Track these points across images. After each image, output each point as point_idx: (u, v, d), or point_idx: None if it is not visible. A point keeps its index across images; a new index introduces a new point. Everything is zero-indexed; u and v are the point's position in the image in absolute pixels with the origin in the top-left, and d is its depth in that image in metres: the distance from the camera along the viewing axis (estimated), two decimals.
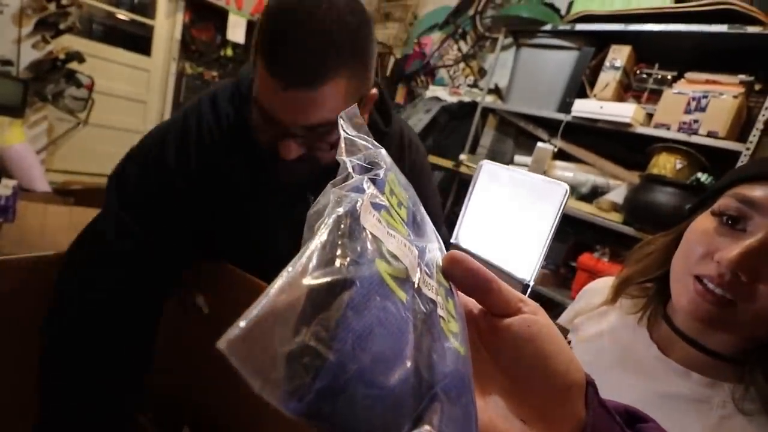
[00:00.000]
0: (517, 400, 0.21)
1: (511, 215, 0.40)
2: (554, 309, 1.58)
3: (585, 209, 1.73)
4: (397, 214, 0.22)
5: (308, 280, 0.14)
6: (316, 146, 0.58)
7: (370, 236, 0.17)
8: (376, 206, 0.19)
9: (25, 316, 0.58)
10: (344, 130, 0.25)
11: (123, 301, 0.60)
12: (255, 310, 0.12)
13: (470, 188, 0.42)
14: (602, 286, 0.59)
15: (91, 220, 0.66)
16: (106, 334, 0.59)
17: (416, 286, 0.18)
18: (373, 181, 0.21)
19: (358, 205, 0.18)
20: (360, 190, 0.19)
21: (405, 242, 0.20)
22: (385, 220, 0.20)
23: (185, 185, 0.63)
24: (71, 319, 0.58)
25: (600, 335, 0.54)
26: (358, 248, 0.16)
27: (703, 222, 0.45)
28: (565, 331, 0.57)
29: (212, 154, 0.64)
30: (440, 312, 0.19)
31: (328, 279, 0.14)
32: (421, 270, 0.20)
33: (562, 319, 0.63)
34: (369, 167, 0.23)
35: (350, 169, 0.21)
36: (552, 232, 0.37)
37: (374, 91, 0.62)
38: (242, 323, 0.12)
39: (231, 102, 0.66)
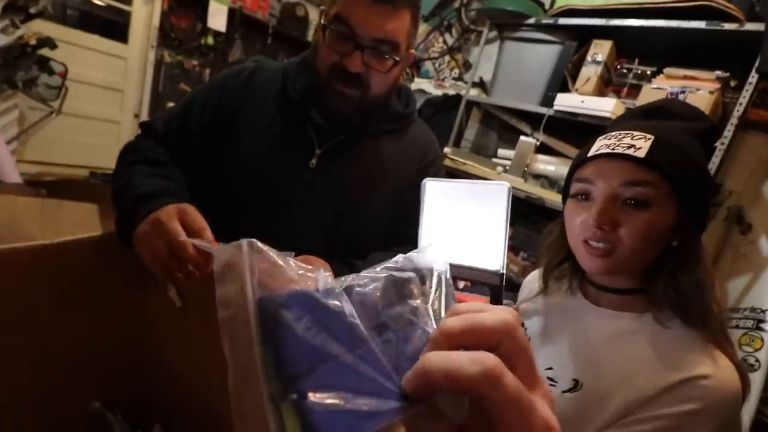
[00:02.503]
0: None
1: (467, 219, 0.46)
2: None
3: None
4: None
5: None
6: (376, 64, 0.70)
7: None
8: None
9: None
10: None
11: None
12: None
13: (421, 206, 0.47)
14: (534, 277, 0.73)
15: (63, 213, 0.67)
16: None
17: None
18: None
19: None
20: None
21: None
22: None
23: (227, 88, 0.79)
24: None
25: (545, 311, 0.68)
26: None
27: (569, 205, 0.61)
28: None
29: (268, 77, 0.81)
30: None
31: None
32: None
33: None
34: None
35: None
36: (507, 225, 0.41)
37: (412, 50, 0.78)
38: None
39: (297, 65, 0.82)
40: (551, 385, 0.58)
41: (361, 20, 0.67)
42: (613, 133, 0.57)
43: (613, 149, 0.55)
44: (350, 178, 0.79)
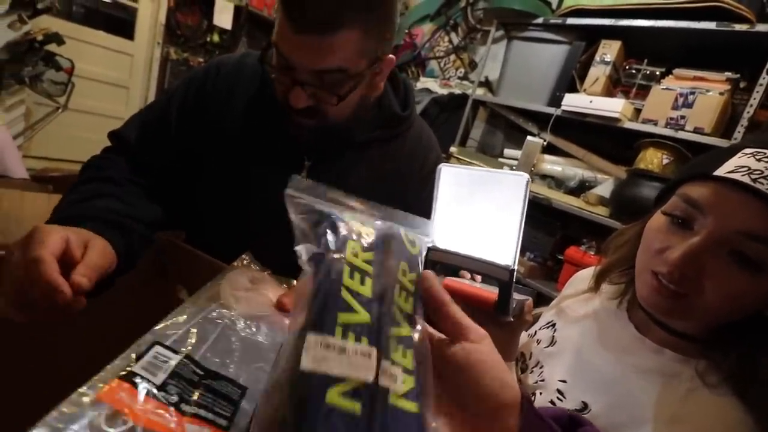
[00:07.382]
0: (458, 420, 0.24)
1: (481, 210, 0.42)
2: (541, 302, 1.59)
3: (572, 203, 1.75)
4: (359, 291, 0.25)
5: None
6: (324, 96, 0.59)
7: (315, 375, 0.21)
8: (323, 327, 0.22)
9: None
10: (293, 214, 0.29)
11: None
12: None
13: (435, 192, 0.44)
14: (588, 274, 0.63)
15: None
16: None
17: (373, 382, 0.22)
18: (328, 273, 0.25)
19: (303, 360, 0.21)
20: (316, 326, 0.23)
21: (356, 350, 0.22)
22: (342, 323, 0.23)
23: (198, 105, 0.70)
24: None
25: (586, 317, 0.59)
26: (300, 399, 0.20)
27: (657, 220, 0.47)
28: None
29: (238, 88, 0.71)
30: (393, 388, 0.22)
31: None
32: (379, 361, 0.23)
33: (553, 303, 0.67)
34: (322, 253, 0.26)
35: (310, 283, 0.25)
36: (522, 219, 0.39)
37: (391, 56, 0.65)
38: None
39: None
40: (558, 399, 0.52)
41: (292, 53, 0.56)
42: (766, 152, 0.41)
43: (754, 180, 0.39)
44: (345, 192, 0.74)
